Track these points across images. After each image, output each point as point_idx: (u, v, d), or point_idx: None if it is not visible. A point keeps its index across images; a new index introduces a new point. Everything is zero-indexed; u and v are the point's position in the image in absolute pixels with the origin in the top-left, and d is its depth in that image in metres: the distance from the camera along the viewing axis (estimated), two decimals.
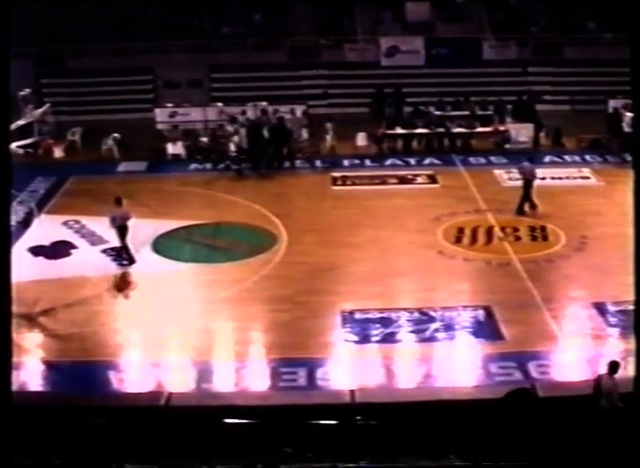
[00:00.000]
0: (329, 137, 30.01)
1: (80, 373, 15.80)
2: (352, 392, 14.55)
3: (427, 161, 29.25)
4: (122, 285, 20.00)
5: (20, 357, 15.87)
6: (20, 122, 26.09)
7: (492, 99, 32.44)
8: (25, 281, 17.77)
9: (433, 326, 17.34)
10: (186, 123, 32.10)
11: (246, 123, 29.54)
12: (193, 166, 29.25)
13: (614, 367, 13.00)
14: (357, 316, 17.83)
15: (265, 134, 28.52)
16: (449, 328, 17.32)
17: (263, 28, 37.61)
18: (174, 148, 30.08)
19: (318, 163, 29.00)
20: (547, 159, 29.06)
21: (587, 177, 27.34)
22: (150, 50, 34.95)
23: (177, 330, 17.61)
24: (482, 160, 29.36)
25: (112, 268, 20.74)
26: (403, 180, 27.26)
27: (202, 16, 37.78)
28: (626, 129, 28.56)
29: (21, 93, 28.27)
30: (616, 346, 16.31)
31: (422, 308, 18.04)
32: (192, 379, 15.56)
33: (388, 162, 29.33)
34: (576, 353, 16.34)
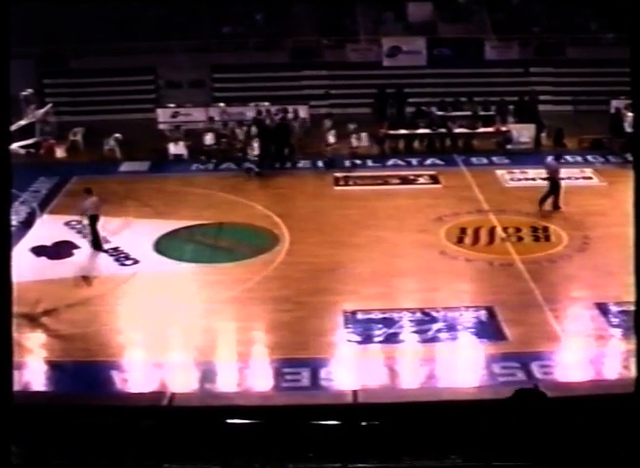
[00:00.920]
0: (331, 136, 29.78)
1: (82, 374, 15.80)
2: (355, 392, 14.54)
3: (429, 161, 29.26)
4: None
5: (23, 357, 15.88)
6: (22, 122, 26.02)
7: (494, 100, 32.44)
8: (28, 281, 17.78)
9: (436, 326, 17.34)
10: (188, 123, 32.11)
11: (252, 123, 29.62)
12: (195, 166, 29.28)
13: None
14: (359, 316, 17.83)
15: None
16: (451, 328, 17.32)
17: (265, 28, 37.60)
18: (175, 148, 30.11)
19: (320, 163, 29.00)
20: (549, 159, 28.99)
21: (589, 178, 27.34)
22: (152, 50, 34.93)
23: (179, 330, 17.62)
24: (484, 160, 29.36)
25: (115, 268, 20.76)
26: (405, 181, 27.26)
27: (203, 16, 37.77)
28: (628, 129, 28.56)
29: (23, 93, 28.23)
30: (618, 346, 16.32)
31: (425, 308, 18.03)
32: (195, 380, 15.57)
33: (390, 162, 29.33)
34: (578, 353, 16.34)
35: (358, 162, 28.81)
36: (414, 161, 29.36)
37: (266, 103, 31.71)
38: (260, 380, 15.60)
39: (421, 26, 37.23)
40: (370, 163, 29.13)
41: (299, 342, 16.73)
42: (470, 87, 34.26)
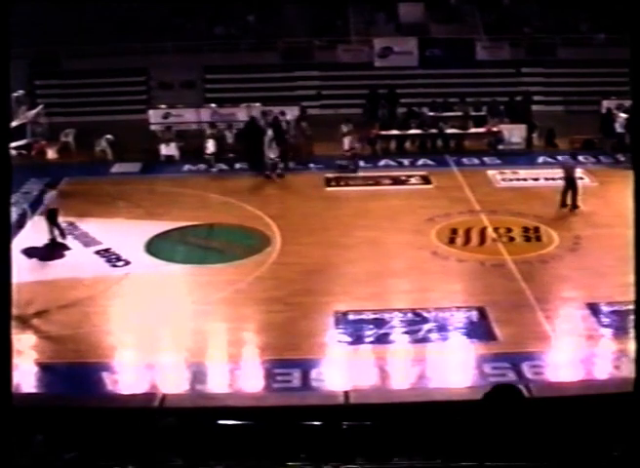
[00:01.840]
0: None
1: (74, 375, 15.76)
2: (346, 393, 14.55)
3: (421, 162, 29.27)
4: None
5: (14, 358, 15.83)
6: (14, 123, 26.06)
7: (485, 100, 32.50)
8: (19, 282, 17.64)
9: (427, 326, 17.35)
10: (180, 124, 32.05)
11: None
12: (187, 167, 29.23)
13: None
14: (351, 317, 17.83)
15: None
16: (442, 328, 17.33)
17: (257, 29, 37.62)
18: (167, 150, 30.05)
19: (311, 164, 28.96)
20: (540, 160, 29.11)
21: (581, 178, 27.34)
22: (144, 51, 34.93)
23: (170, 331, 17.60)
24: (475, 161, 29.39)
25: (106, 269, 20.73)
26: (397, 181, 27.27)
27: (195, 17, 37.79)
28: (619, 129, 28.66)
29: (15, 94, 28.23)
30: (609, 346, 16.36)
31: (416, 309, 18.04)
32: (186, 381, 15.53)
33: (382, 163, 29.34)
34: (569, 353, 16.37)
35: (344, 163, 28.56)
36: (405, 161, 29.37)
37: (258, 104, 31.62)
38: (252, 381, 15.58)
39: (413, 27, 37.27)
40: (361, 163, 29.12)
41: (290, 343, 16.73)
42: (462, 87, 34.32)
